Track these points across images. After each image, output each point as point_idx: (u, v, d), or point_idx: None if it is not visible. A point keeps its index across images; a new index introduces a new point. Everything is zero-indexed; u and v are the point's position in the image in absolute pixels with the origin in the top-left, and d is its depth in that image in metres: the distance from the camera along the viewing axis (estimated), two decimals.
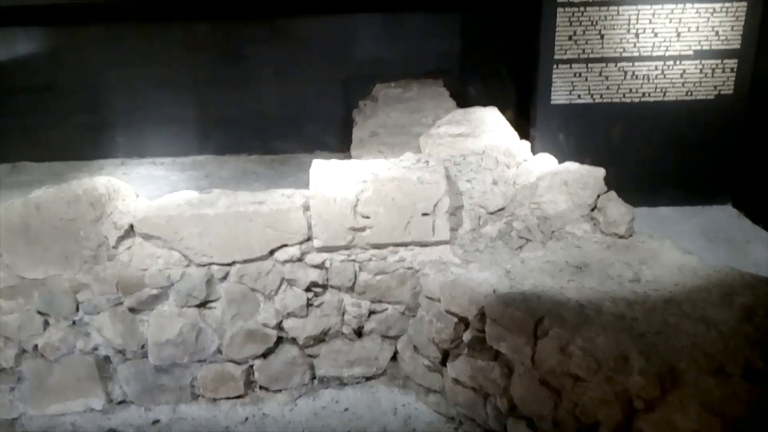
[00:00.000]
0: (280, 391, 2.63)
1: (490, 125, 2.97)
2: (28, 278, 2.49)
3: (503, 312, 2.13)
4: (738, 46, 3.73)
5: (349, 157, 3.94)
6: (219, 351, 2.57)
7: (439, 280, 2.38)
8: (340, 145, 4.64)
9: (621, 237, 2.49)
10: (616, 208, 2.50)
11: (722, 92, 3.82)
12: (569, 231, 2.53)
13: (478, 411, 2.32)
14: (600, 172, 2.59)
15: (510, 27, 4.61)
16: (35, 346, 2.52)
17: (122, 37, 4.70)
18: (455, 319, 2.31)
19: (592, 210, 2.57)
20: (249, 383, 2.62)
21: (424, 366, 2.51)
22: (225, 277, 2.53)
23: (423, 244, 2.52)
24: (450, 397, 2.43)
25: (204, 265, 2.50)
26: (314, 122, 4.94)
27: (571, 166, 2.66)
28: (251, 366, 2.61)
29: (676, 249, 2.47)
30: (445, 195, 2.46)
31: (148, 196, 2.70)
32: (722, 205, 4.02)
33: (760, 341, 1.88)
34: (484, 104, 3.45)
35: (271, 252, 2.52)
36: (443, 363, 2.44)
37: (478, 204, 2.61)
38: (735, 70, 3.77)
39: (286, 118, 4.94)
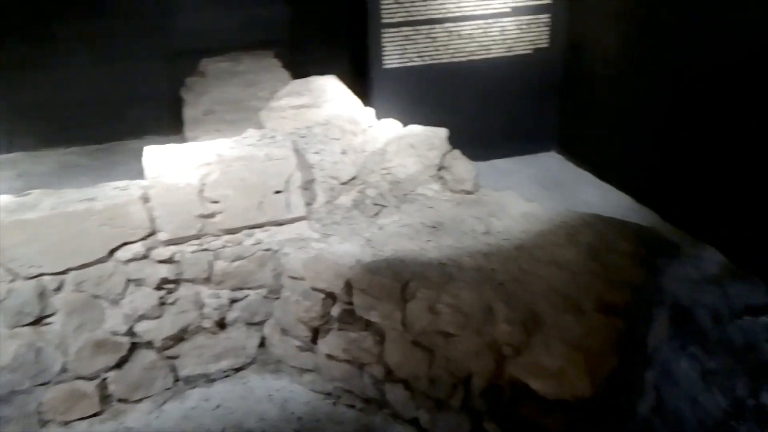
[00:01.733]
0: (141, 400, 2.43)
1: (332, 94, 2.92)
2: None
3: (370, 281, 2.13)
4: (550, 1, 3.99)
5: (184, 139, 3.69)
6: (65, 369, 2.31)
7: (300, 258, 2.32)
8: (171, 127, 4.32)
9: (468, 193, 2.59)
10: (461, 165, 2.59)
11: (539, 46, 4.08)
12: (421, 192, 2.58)
13: (355, 382, 2.32)
14: (443, 132, 2.65)
15: None
16: None
17: None
18: (322, 295, 2.27)
19: (439, 170, 2.63)
20: (105, 398, 2.39)
21: (295, 347, 2.45)
22: (60, 287, 2.26)
23: (279, 223, 2.43)
24: (325, 374, 2.40)
25: (33, 277, 2.21)
26: (139, 104, 4.55)
27: (416, 128, 2.70)
28: (104, 379, 2.38)
29: (519, 198, 2.62)
30: (296, 170, 2.38)
31: None
32: (548, 152, 4.35)
33: (607, 276, 2.06)
34: (318, 73, 3.38)
35: (111, 252, 2.29)
36: (314, 341, 2.40)
37: (329, 175, 2.57)
38: (549, 24, 4.04)
39: (107, 102, 4.49)
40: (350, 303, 2.23)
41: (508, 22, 3.99)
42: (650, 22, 3.40)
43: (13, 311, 2.19)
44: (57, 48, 4.28)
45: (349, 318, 2.26)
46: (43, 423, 2.35)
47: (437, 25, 3.91)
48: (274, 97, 3.20)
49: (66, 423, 2.36)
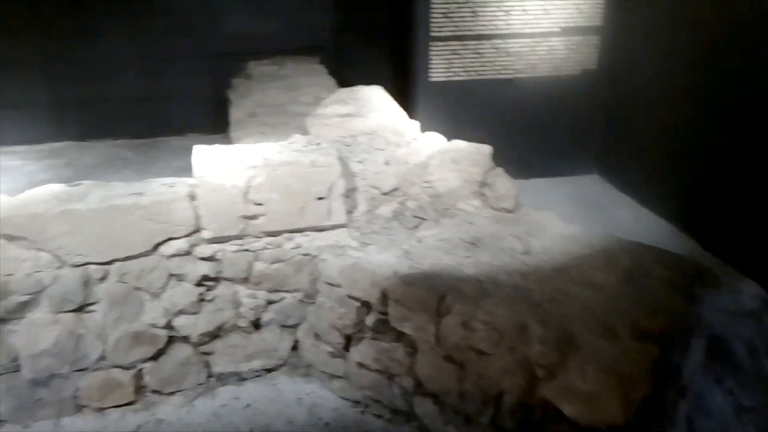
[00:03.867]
0: (174, 393, 2.47)
1: (377, 104, 2.95)
2: None
3: (405, 292, 2.14)
4: (600, 24, 3.97)
5: (225, 138, 3.76)
6: (103, 357, 2.37)
7: (338, 265, 2.34)
8: (213, 126, 4.43)
9: (509, 211, 2.59)
10: (503, 183, 2.59)
11: (587, 68, 4.07)
12: (461, 208, 2.59)
13: (384, 392, 2.33)
14: (487, 149, 2.66)
15: (386, 3, 4.60)
16: None
17: None
18: (357, 303, 2.29)
19: (481, 186, 2.64)
20: (139, 388, 2.44)
21: (326, 353, 2.47)
22: (104, 277, 2.32)
23: (319, 229, 2.46)
24: (355, 381, 2.42)
25: (79, 266, 2.27)
26: (183, 102, 4.67)
27: (459, 144, 2.71)
28: (140, 370, 2.43)
29: (559, 220, 2.61)
30: (339, 177, 2.41)
31: (4, 190, 2.40)
32: (589, 174, 4.32)
33: (644, 302, 2.04)
34: (361, 81, 3.42)
35: (155, 247, 2.34)
36: (346, 348, 2.41)
37: (371, 185, 2.59)
38: (598, 46, 4.02)
39: (153, 99, 4.62)
40: (385, 313, 2.24)
41: (557, 42, 3.99)
42: (696, 50, 3.36)
43: (57, 297, 2.26)
44: (108, 45, 4.42)
45: (383, 328, 2.28)
46: (79, 408, 2.41)
47: (485, 41, 3.92)
48: (319, 103, 3.25)
49: (100, 410, 2.41)
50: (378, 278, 2.23)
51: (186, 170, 2.62)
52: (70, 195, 2.32)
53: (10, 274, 2.21)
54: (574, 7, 3.93)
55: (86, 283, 2.28)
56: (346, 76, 3.99)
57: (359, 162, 2.63)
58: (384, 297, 2.21)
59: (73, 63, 4.37)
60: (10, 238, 2.22)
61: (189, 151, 2.50)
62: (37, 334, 2.26)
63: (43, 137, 4.39)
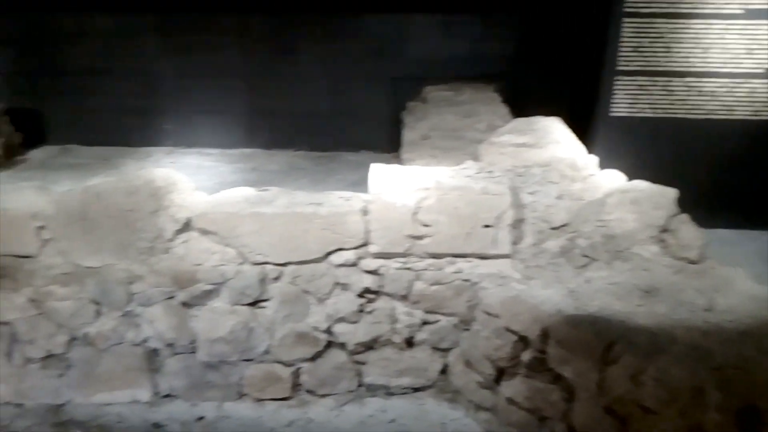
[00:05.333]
0: (326, 396, 2.58)
1: (556, 136, 2.88)
2: (84, 266, 2.48)
3: (570, 334, 2.05)
4: None
5: (396, 158, 3.88)
6: (267, 351, 2.54)
7: (499, 295, 2.31)
8: (386, 145, 4.59)
9: (692, 262, 2.39)
10: (688, 231, 2.40)
11: None
12: (636, 252, 2.43)
13: None
14: (672, 192, 2.48)
15: (569, 34, 4.51)
16: (86, 334, 2.51)
17: (177, 26, 4.73)
18: (515, 337, 2.24)
19: (662, 232, 2.46)
20: (296, 386, 2.58)
21: (476, 382, 2.44)
22: (278, 277, 2.49)
23: (483, 257, 2.45)
24: (502, 417, 2.36)
25: (259, 264, 2.46)
26: (361, 121, 4.90)
27: (641, 184, 2.56)
28: (299, 368, 2.57)
29: (749, 278, 2.36)
30: (509, 207, 2.39)
31: (199, 187, 2.67)
32: None
33: None
34: (535, 113, 3.36)
35: (327, 255, 2.47)
36: (497, 381, 2.36)
37: (540, 218, 2.53)
38: None
39: (334, 115, 4.91)
40: (543, 352, 2.16)
41: (760, 84, 3.64)
42: None
43: (237, 290, 2.46)
44: (302, 63, 4.79)
45: (539, 366, 2.20)
46: (240, 395, 2.60)
47: (677, 78, 3.69)
48: (492, 131, 3.24)
49: (259, 400, 2.58)
50: (540, 314, 2.16)
51: (358, 185, 2.75)
52: (260, 198, 2.53)
53: (199, 264, 2.45)
54: None
55: (263, 280, 2.47)
56: (520, 106, 3.95)
57: (530, 193, 2.58)
58: (545, 335, 2.14)
59: (269, 77, 4.79)
60: (204, 232, 2.47)
61: (362, 166, 2.62)
62: (216, 321, 2.47)
63: (236, 143, 4.85)
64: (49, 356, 2.53)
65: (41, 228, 2.46)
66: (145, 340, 2.53)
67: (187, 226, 2.47)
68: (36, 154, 4.74)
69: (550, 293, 2.26)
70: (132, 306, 2.48)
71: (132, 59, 4.81)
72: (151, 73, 4.85)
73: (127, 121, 4.92)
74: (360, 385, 2.61)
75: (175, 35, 4.75)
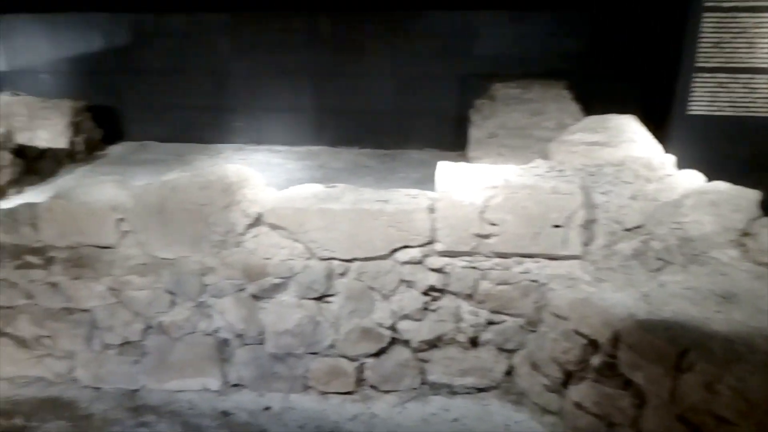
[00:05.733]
0: (389, 392, 2.59)
1: (630, 135, 2.79)
2: (160, 257, 2.58)
3: (642, 339, 1.99)
4: None
5: (462, 156, 3.85)
6: (333, 345, 2.57)
7: (568, 297, 2.26)
8: (451, 143, 4.57)
9: None
10: None
11: None
12: (714, 256, 2.33)
13: None
14: (754, 194, 2.37)
15: (643, 30, 4.36)
16: (160, 323, 2.61)
17: (248, 26, 4.85)
18: (584, 341, 2.19)
19: (742, 236, 2.35)
20: (360, 381, 2.61)
21: (542, 384, 2.40)
22: (344, 273, 2.52)
23: (551, 257, 2.40)
24: (569, 421, 2.31)
25: (325, 259, 2.50)
26: (427, 118, 4.89)
27: (721, 185, 2.45)
28: (363, 364, 2.59)
29: None
30: (580, 207, 2.33)
31: (268, 184, 2.74)
32: None
33: None
34: (606, 110, 3.25)
35: (392, 252, 2.49)
36: (564, 384, 2.32)
37: (613, 219, 2.46)
38: None
39: (400, 113, 4.92)
40: (614, 356, 2.10)
41: None
42: None
43: (304, 285, 2.51)
44: (370, 62, 4.83)
45: (609, 371, 2.14)
46: (305, 388, 2.64)
47: (759, 76, 3.50)
48: (562, 129, 3.17)
49: (323, 393, 2.62)
50: (611, 318, 2.10)
51: (422, 182, 2.74)
52: (328, 195, 2.57)
53: (269, 258, 2.51)
54: None
55: (329, 275, 2.50)
56: (591, 104, 3.84)
57: (603, 193, 2.51)
58: (616, 339, 2.08)
59: (338, 76, 4.86)
60: (274, 227, 2.52)
61: (426, 164, 2.61)
62: (284, 314, 2.53)
63: (303, 140, 4.94)
64: (125, 343, 2.65)
65: (120, 220, 2.58)
66: (216, 330, 2.61)
67: (257, 221, 2.54)
68: (115, 150, 4.98)
69: (621, 296, 2.20)
70: (204, 297, 2.56)
71: (205, 58, 4.98)
72: (222, 72, 5.00)
73: (199, 119, 5.10)
74: (423, 383, 2.61)
75: (245, 35, 4.88)
